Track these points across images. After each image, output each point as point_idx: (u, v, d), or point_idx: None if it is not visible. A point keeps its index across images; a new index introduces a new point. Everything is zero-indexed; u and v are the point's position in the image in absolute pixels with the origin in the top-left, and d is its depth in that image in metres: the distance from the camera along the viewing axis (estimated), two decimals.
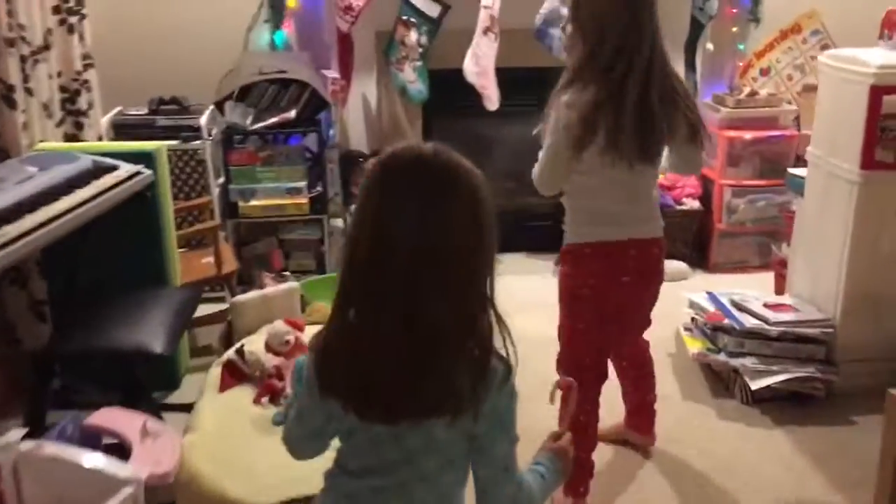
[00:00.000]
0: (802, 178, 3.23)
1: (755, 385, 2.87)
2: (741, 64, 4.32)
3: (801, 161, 4.07)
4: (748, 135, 4.02)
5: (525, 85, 3.99)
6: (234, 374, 2.57)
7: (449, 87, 4.20)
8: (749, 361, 2.93)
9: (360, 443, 1.27)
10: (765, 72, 4.37)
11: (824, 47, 4.33)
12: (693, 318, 3.29)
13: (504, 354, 1.23)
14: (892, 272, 2.89)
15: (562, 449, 1.39)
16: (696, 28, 4.05)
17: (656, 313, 2.43)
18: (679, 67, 4.19)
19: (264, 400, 2.48)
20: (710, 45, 4.14)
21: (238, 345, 2.67)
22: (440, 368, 1.18)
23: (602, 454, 2.56)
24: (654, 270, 2.31)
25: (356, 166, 4.08)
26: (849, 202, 2.85)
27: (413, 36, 3.99)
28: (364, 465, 1.28)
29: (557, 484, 1.39)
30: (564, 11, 3.88)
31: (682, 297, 3.37)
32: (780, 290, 3.62)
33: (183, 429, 2.37)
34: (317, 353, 1.25)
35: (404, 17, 3.98)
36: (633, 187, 2.19)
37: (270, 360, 2.58)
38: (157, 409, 2.63)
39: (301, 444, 1.37)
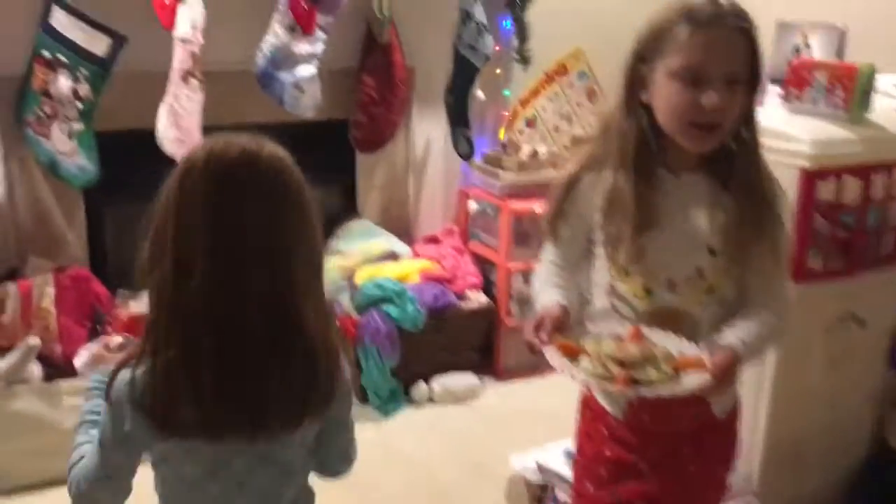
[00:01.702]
0: None
1: None
2: (507, 114, 3.48)
3: None
4: (538, 206, 3.18)
5: None
6: None
7: (130, 160, 2.78)
8: None
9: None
10: (531, 123, 3.58)
11: (591, 94, 3.68)
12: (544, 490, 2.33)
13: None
14: (820, 411, 2.17)
15: None
16: (467, 71, 3.11)
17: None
18: (438, 124, 3.25)
19: None
20: (480, 93, 3.24)
21: None
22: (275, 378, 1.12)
23: None
24: None
25: None
26: None
27: (64, 83, 2.52)
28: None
29: None
30: (299, 49, 2.71)
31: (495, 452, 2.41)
32: None
33: None
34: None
35: (46, 54, 2.50)
36: None
37: None
38: None
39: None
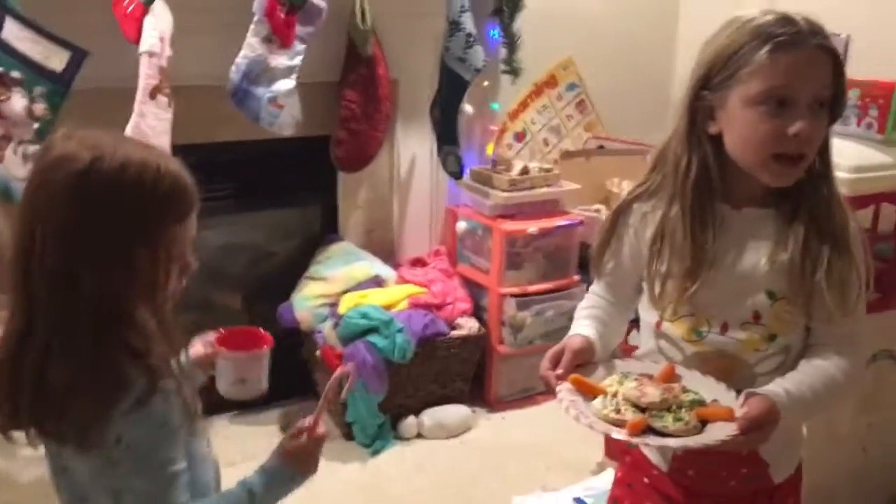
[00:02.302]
0: None
1: None
2: (495, 128, 3.30)
3: (585, 251, 3.18)
4: (532, 227, 3.00)
5: (223, 169, 2.60)
6: None
7: None
8: None
9: None
10: (520, 136, 3.41)
11: (580, 105, 3.51)
12: None
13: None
14: (852, 453, 2.01)
15: (296, 450, 1.23)
16: (455, 85, 2.92)
17: None
18: (424, 140, 3.07)
19: None
20: (468, 107, 3.05)
21: None
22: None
23: None
24: None
25: None
26: None
27: (18, 101, 2.28)
28: None
29: (285, 493, 1.21)
30: (276, 62, 2.52)
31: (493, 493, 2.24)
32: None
33: None
34: None
35: None
36: None
37: None
38: None
39: None
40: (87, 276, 1.05)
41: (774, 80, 1.17)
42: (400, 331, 2.74)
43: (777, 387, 1.20)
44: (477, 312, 3.06)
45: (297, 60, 2.60)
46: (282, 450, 1.24)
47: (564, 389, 1.23)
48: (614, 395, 1.22)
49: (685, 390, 1.22)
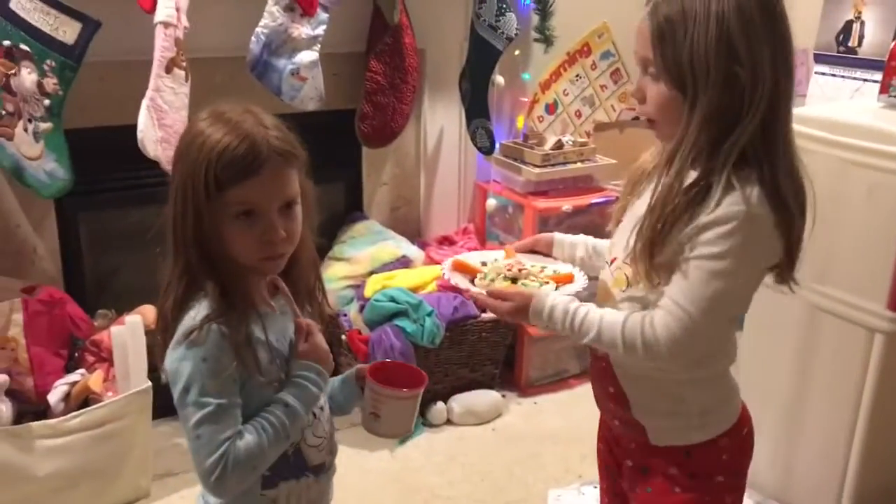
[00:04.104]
0: None
1: None
2: (526, 100, 3.15)
3: None
4: (566, 204, 2.86)
5: None
6: None
7: (106, 161, 2.47)
8: None
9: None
10: (551, 108, 3.25)
11: (615, 74, 3.35)
12: None
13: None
14: None
15: (308, 349, 1.26)
16: (485, 55, 2.77)
17: None
18: (452, 114, 2.93)
19: None
20: (499, 79, 2.89)
21: None
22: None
23: None
24: None
25: None
26: (866, 358, 1.79)
27: (28, 76, 2.16)
28: None
29: (315, 395, 1.24)
30: (298, 31, 2.38)
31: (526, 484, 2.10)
32: None
33: None
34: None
35: (6, 43, 2.14)
36: None
37: None
38: None
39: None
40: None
41: None
42: (429, 315, 2.63)
43: (560, 293, 1.34)
44: None
45: (321, 30, 2.46)
46: (301, 352, 1.27)
47: (448, 269, 1.47)
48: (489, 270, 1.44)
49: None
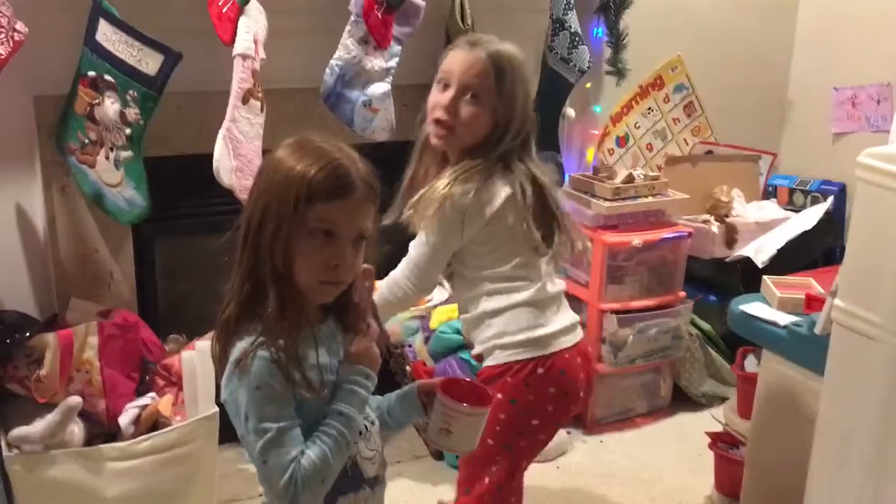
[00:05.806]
0: (799, 325, 2.05)
1: None
2: (596, 133, 3.12)
3: (694, 265, 2.99)
4: (636, 238, 2.81)
5: None
6: None
7: (182, 189, 2.52)
8: None
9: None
10: (622, 141, 3.22)
11: (688, 108, 3.30)
12: None
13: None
14: None
15: (358, 352, 1.28)
16: (557, 87, 2.76)
17: None
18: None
19: None
20: (570, 111, 2.87)
21: None
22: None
23: None
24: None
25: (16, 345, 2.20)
26: None
27: (111, 105, 2.23)
28: None
29: (365, 398, 1.27)
30: (371, 64, 2.40)
31: None
32: (725, 479, 2.45)
33: None
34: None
35: (91, 74, 2.22)
36: None
37: None
38: None
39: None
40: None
41: None
42: None
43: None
44: None
45: (394, 62, 2.49)
46: (347, 358, 1.29)
47: None
48: None
49: None
